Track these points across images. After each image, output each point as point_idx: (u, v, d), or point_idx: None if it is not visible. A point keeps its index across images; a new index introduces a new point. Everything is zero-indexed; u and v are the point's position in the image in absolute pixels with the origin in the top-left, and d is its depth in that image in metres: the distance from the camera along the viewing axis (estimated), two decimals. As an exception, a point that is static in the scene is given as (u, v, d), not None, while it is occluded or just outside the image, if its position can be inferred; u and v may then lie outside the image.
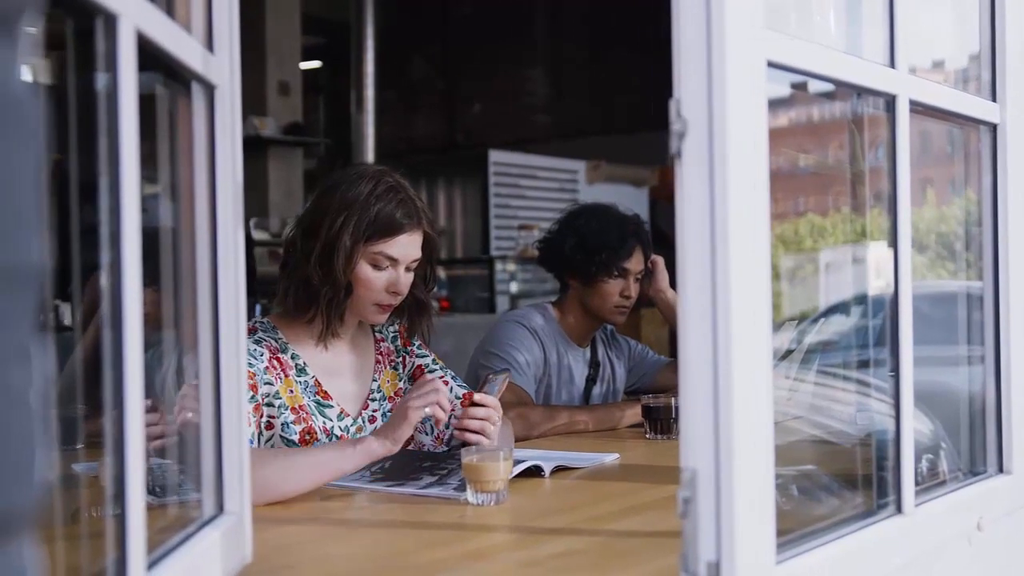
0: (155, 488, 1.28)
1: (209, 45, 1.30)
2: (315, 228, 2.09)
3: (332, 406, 2.14)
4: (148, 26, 1.04)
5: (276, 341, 2.12)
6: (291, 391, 2.08)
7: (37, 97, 0.54)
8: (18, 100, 0.51)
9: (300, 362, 2.13)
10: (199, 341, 1.32)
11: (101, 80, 0.98)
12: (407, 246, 2.11)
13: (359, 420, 2.18)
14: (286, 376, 2.09)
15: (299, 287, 2.10)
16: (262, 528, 1.48)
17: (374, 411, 2.22)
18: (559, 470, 2.09)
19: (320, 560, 1.50)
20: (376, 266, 2.10)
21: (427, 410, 1.90)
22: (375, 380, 2.24)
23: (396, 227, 2.09)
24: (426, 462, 2.07)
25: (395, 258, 2.10)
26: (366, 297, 2.12)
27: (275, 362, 2.08)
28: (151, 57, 1.07)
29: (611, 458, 2.27)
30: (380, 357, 2.28)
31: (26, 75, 0.53)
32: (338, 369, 2.19)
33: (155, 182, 1.24)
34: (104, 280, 0.98)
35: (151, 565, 1.05)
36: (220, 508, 1.32)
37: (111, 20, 0.96)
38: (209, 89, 1.30)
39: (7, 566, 0.52)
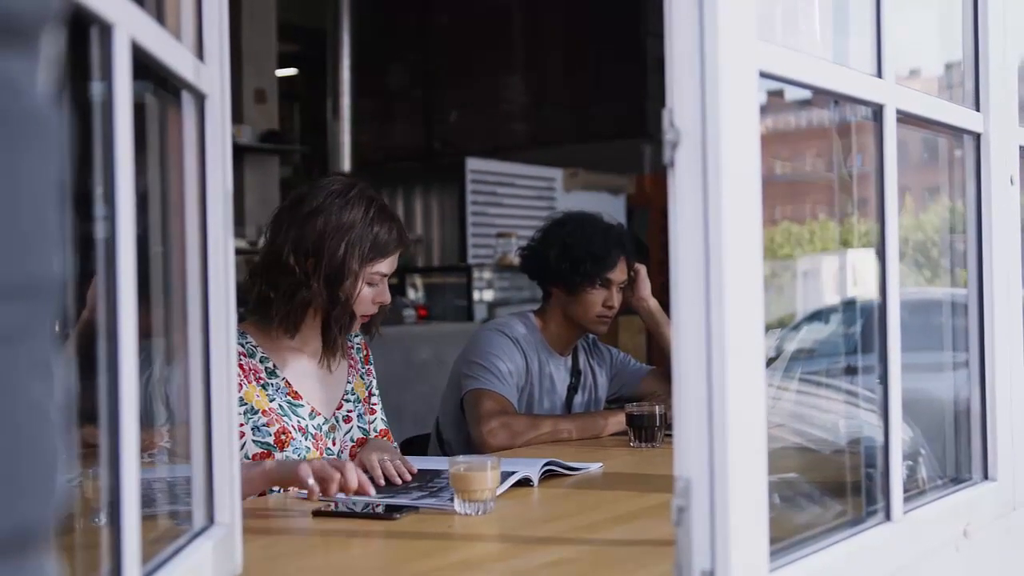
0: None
1: (199, 54, 1.30)
2: (313, 251, 2.13)
3: (303, 405, 2.19)
4: (142, 35, 1.03)
5: (243, 346, 2.17)
6: (259, 395, 2.14)
7: (58, 110, 0.54)
8: (40, 113, 0.51)
9: (270, 365, 2.19)
10: (189, 351, 1.31)
11: (95, 88, 0.97)
12: (395, 261, 2.24)
13: (332, 419, 2.25)
14: (255, 379, 2.14)
15: (299, 308, 2.15)
16: (252, 539, 1.47)
17: (348, 411, 2.29)
18: (548, 476, 2.10)
19: (311, 571, 1.50)
20: (371, 284, 2.20)
21: (311, 481, 1.83)
22: (349, 382, 2.32)
23: (392, 248, 2.21)
24: (415, 480, 2.06)
25: (387, 274, 2.22)
26: (356, 312, 2.19)
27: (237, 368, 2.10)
28: (142, 66, 1.07)
29: (595, 467, 2.27)
30: (352, 361, 2.35)
31: (46, 88, 0.53)
32: (311, 372, 2.25)
33: (144, 190, 1.23)
34: (98, 289, 0.97)
35: (145, 578, 1.04)
36: (211, 519, 1.31)
37: (106, 29, 0.95)
38: (199, 98, 1.30)
39: None
